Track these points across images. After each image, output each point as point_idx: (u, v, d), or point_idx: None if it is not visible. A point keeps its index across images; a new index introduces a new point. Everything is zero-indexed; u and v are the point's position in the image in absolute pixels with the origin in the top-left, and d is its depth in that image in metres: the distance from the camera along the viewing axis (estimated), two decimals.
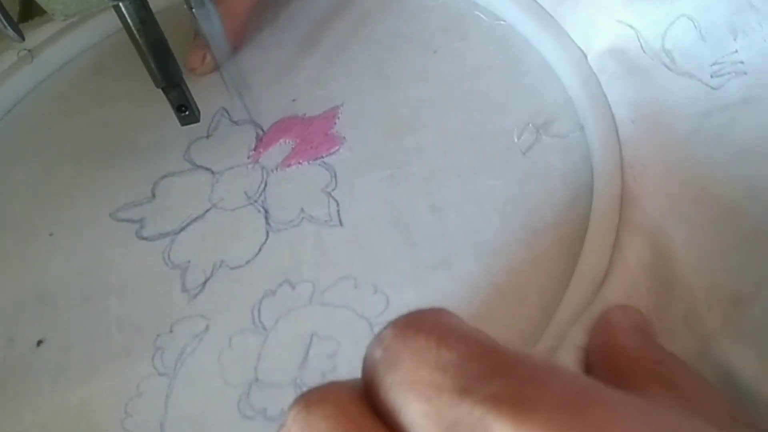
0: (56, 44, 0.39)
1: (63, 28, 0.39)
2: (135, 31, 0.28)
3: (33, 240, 0.32)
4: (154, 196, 0.32)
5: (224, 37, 0.36)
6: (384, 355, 0.16)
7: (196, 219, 0.31)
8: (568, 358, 0.23)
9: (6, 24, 0.29)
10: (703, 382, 0.21)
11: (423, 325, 0.16)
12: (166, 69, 0.29)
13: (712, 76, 0.27)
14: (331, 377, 0.26)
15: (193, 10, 0.36)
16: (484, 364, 0.15)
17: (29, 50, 0.38)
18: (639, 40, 0.29)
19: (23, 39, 0.30)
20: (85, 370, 0.28)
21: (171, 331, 0.28)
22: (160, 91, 0.30)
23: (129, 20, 0.28)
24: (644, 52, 0.29)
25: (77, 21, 0.40)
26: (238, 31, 0.37)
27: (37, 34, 0.39)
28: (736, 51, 0.27)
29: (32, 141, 0.36)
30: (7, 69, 0.38)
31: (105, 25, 0.40)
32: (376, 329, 0.27)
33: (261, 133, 0.34)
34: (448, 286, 0.28)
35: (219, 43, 0.35)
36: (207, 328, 0.28)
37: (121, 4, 0.27)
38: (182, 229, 0.31)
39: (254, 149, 0.33)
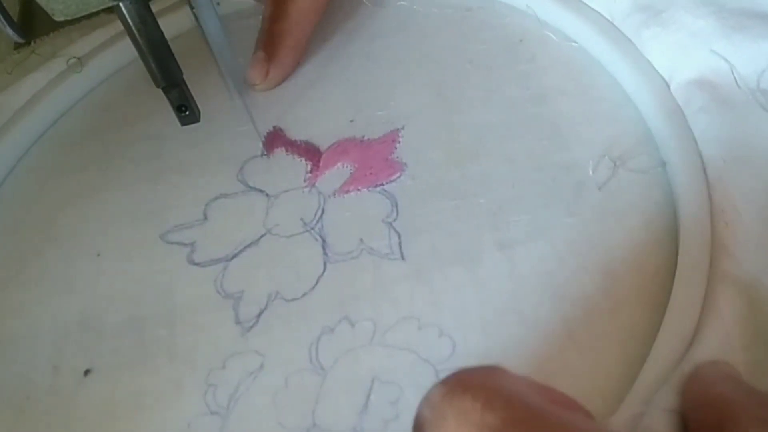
0: (107, 52, 0.38)
1: (114, 36, 0.38)
2: (135, 31, 0.27)
3: (79, 260, 0.31)
4: (206, 218, 0.31)
5: (225, 35, 0.35)
6: (431, 415, 0.16)
7: (249, 245, 0.30)
8: (658, 424, 0.21)
9: (6, 23, 0.29)
10: None
11: (470, 385, 0.16)
12: (166, 69, 0.29)
13: None
14: (394, 427, 0.25)
15: (194, 10, 0.35)
16: (526, 430, 0.15)
17: (79, 58, 0.37)
18: (733, 74, 0.27)
19: (23, 38, 0.31)
20: (132, 404, 0.26)
21: (224, 367, 0.27)
22: (212, 105, 0.29)
23: (129, 20, 0.27)
24: (739, 87, 0.27)
25: None
26: (301, 45, 0.36)
27: (87, 41, 0.38)
28: None
29: (80, 153, 0.35)
30: (55, 77, 0.37)
31: None
32: (442, 376, 0.26)
33: (263, 143, 0.33)
34: (518, 332, 0.26)
35: (219, 41, 0.34)
36: (262, 366, 0.26)
37: (121, 3, 0.27)
38: (235, 255, 0.30)
39: (310, 171, 0.32)
